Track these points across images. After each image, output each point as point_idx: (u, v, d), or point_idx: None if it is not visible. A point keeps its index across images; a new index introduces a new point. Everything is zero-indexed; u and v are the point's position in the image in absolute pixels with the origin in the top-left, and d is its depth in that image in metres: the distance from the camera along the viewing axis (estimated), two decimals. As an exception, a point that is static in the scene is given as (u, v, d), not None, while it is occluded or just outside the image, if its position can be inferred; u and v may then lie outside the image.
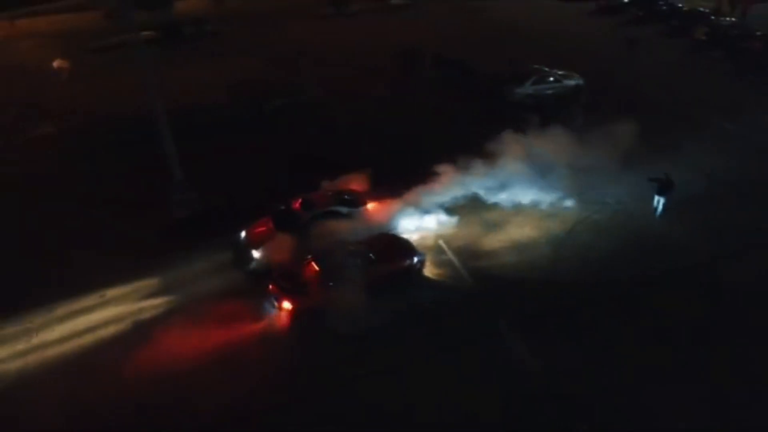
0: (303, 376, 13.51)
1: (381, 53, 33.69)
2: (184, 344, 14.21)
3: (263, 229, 17.25)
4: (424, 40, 34.75)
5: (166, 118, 18.94)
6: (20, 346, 14.56)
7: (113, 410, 12.70)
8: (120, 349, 14.26)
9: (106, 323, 15.11)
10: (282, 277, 15.29)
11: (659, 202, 18.55)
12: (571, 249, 17.53)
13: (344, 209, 17.70)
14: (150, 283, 16.46)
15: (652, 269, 16.57)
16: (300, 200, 17.92)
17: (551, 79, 27.58)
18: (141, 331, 14.78)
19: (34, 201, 21.07)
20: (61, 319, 15.31)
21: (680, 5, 41.66)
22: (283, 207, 17.91)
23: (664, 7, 41.64)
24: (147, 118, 19.65)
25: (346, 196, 18.40)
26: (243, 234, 17.41)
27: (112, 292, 16.11)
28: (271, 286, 15.23)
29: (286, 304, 14.85)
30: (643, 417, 12.44)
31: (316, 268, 15.25)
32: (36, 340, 14.72)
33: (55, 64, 33.03)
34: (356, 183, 19.44)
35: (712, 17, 38.63)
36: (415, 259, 16.33)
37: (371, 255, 15.86)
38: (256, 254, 16.43)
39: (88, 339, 14.68)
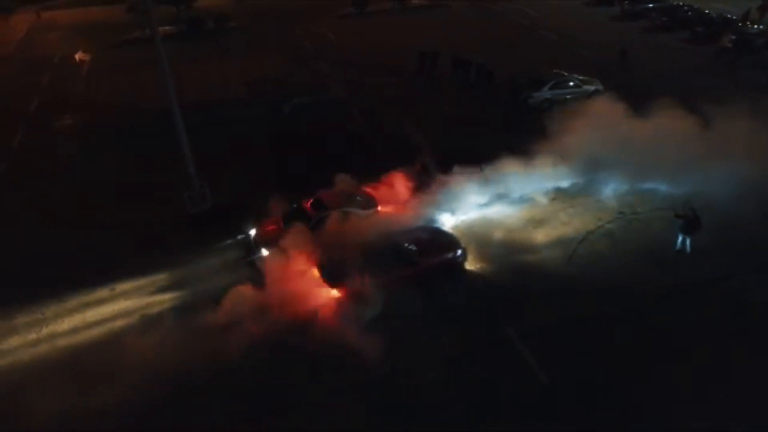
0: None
1: (401, 54, 33.66)
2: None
3: (273, 227, 17.27)
4: (445, 41, 34.58)
5: (184, 113, 19.09)
6: (31, 336, 14.77)
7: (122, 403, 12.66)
8: (128, 342, 14.27)
9: (115, 316, 15.21)
10: (329, 266, 15.45)
11: (684, 241, 16.82)
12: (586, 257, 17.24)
13: (355, 210, 17.63)
14: (161, 277, 16.56)
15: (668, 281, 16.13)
16: (311, 200, 17.91)
17: (571, 83, 27.25)
18: (149, 325, 14.78)
19: (50, 191, 21.42)
20: (72, 311, 15.47)
21: (706, 11, 40.90)
22: (294, 206, 17.91)
23: (689, 13, 40.89)
24: (164, 112, 19.79)
25: (358, 198, 18.34)
26: (253, 232, 17.46)
27: (122, 286, 16.23)
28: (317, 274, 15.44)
29: (333, 292, 15.01)
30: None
31: (361, 257, 15.36)
32: (46, 330, 14.90)
33: (77, 56, 33.58)
34: (399, 179, 19.35)
35: (739, 24, 37.85)
36: (458, 253, 16.40)
37: (414, 247, 16.00)
38: (264, 252, 16.45)
39: (97, 331, 14.78)
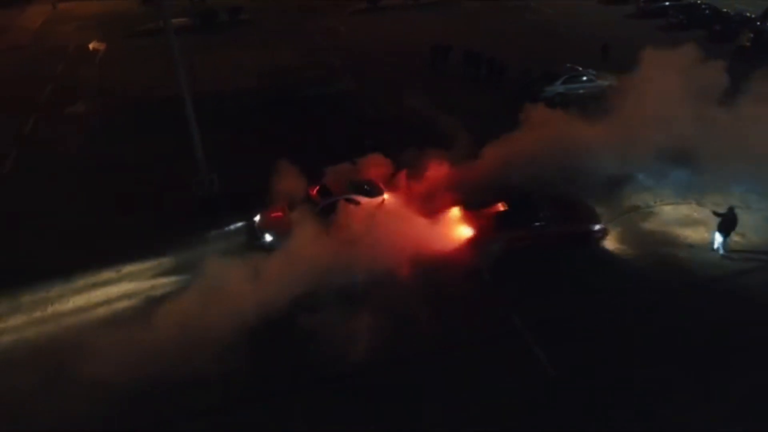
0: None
1: (413, 48, 33.51)
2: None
3: (278, 214, 17.21)
4: (458, 36, 34.36)
5: (197, 102, 19.13)
6: (37, 314, 14.82)
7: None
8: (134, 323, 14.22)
9: (119, 297, 15.26)
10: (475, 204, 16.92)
11: (721, 241, 16.41)
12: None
13: (362, 198, 17.51)
14: (166, 260, 16.58)
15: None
16: (318, 187, 17.82)
17: (584, 78, 26.96)
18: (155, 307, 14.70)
19: (59, 176, 21.53)
20: (78, 291, 15.52)
21: (724, 9, 40.27)
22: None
23: (707, 12, 40.28)
24: (175, 101, 19.81)
25: (365, 186, 18.22)
26: (258, 217, 17.42)
27: (128, 268, 16.27)
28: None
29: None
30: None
31: (503, 208, 16.82)
32: (51, 309, 14.94)
33: (91, 46, 33.79)
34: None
35: (758, 23, 37.21)
36: (596, 227, 16.51)
37: (548, 212, 16.56)
38: (268, 237, 16.40)
39: (101, 312, 14.81)
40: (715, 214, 16.55)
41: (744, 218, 16.88)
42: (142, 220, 18.38)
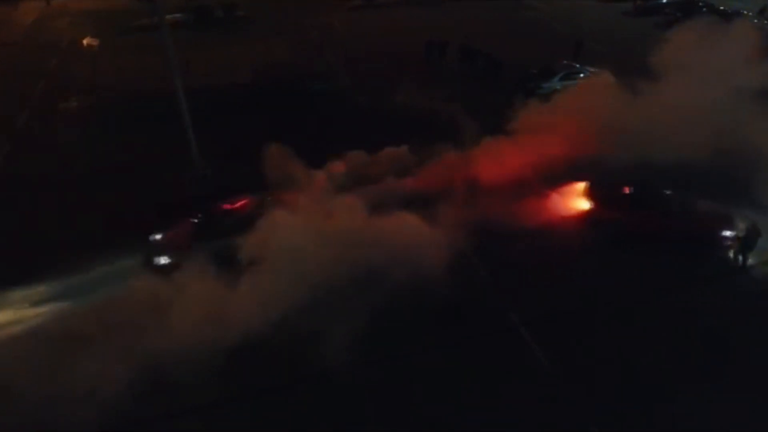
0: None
1: (409, 44, 33.31)
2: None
3: (178, 233, 16.12)
4: (455, 33, 34.14)
5: (191, 97, 19.10)
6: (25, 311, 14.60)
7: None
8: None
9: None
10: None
11: (741, 256, 16.22)
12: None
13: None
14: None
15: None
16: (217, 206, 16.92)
17: (581, 75, 26.86)
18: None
19: (50, 171, 21.29)
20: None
21: (721, 8, 40.21)
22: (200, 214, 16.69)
23: (704, 9, 40.21)
24: (169, 96, 19.63)
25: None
26: (158, 236, 16.11)
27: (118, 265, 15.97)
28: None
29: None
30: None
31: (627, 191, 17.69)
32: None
33: (85, 41, 33.46)
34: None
35: (755, 20, 37.17)
36: (726, 233, 16.30)
37: (676, 204, 16.96)
38: (162, 261, 15.59)
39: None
40: None
41: None
42: (133, 215, 18.00)
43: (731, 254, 16.40)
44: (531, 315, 14.74)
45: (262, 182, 17.58)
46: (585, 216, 17.77)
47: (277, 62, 30.69)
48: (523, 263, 16.35)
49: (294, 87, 27.23)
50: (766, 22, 37.03)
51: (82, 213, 18.42)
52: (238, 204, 17.09)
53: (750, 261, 16.15)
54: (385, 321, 13.99)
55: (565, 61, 27.92)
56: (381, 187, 18.27)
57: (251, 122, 24.37)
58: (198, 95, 22.11)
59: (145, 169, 20.85)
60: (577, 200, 18.21)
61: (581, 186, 18.49)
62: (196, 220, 16.35)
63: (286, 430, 12.14)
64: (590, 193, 18.09)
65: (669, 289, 15.46)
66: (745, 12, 38.93)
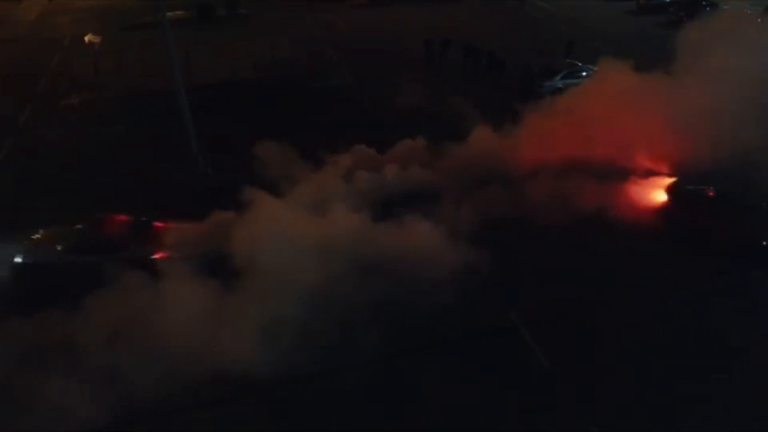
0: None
1: (412, 42, 33.24)
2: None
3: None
4: (457, 31, 34.08)
5: (192, 94, 19.16)
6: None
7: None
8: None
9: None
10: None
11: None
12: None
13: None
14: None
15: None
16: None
17: (584, 74, 26.79)
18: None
19: (52, 167, 21.28)
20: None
21: (725, 7, 40.06)
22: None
23: (708, 9, 40.07)
24: (171, 93, 19.61)
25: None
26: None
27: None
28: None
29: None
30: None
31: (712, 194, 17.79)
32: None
33: (87, 38, 33.44)
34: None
35: (759, 20, 37.02)
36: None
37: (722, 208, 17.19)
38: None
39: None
40: None
41: None
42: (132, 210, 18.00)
43: None
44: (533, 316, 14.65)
45: (262, 180, 17.55)
46: (663, 213, 17.97)
47: (279, 60, 30.67)
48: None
49: (296, 84, 27.18)
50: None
51: (82, 211, 18.36)
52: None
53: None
54: (385, 321, 13.96)
55: (568, 60, 27.85)
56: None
57: (253, 120, 24.36)
58: (199, 92, 22.14)
59: (145, 166, 20.83)
60: (658, 196, 18.44)
61: (666, 182, 18.66)
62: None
63: (286, 430, 12.13)
64: (676, 193, 18.23)
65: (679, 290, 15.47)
66: (748, 12, 38.76)
